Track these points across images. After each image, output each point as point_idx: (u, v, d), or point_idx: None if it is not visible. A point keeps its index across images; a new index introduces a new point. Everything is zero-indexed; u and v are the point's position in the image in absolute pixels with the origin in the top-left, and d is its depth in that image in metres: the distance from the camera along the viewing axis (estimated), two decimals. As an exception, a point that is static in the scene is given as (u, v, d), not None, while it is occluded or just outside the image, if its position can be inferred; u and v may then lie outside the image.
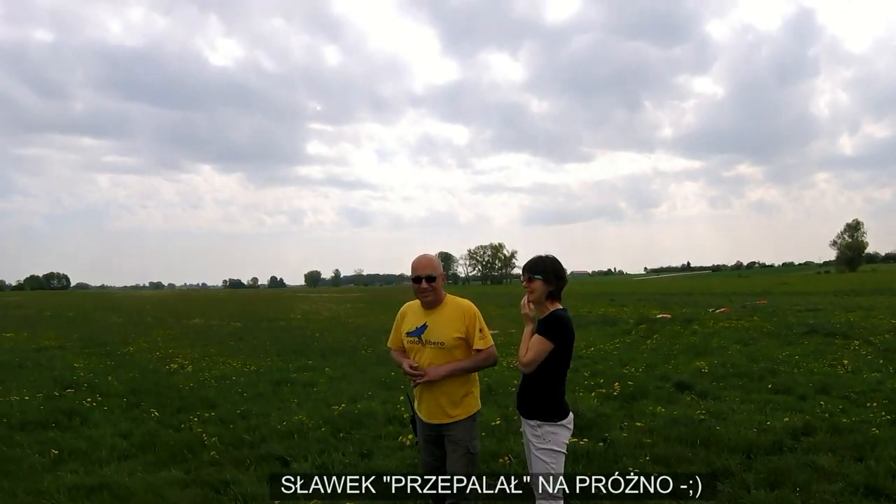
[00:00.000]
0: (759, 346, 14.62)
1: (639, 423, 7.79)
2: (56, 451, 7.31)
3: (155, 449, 7.42)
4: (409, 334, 4.63)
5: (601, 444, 6.95)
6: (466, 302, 4.61)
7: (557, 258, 4.37)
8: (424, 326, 4.55)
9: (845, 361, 11.73)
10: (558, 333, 4.16)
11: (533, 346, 4.17)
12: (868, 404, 8.29)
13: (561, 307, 4.28)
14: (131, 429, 8.39)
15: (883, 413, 7.84)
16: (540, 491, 4.14)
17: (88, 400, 10.18)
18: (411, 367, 4.47)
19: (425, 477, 4.52)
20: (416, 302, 4.71)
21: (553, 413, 4.19)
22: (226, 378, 12.47)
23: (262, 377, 12.52)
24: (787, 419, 7.59)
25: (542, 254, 4.40)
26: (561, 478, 4.16)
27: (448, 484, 4.43)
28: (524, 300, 4.32)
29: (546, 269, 4.27)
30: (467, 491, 4.42)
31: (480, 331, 4.52)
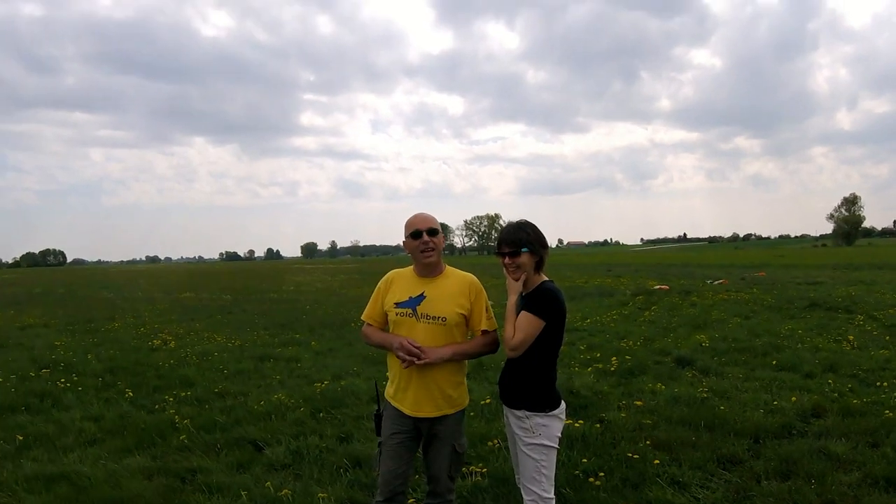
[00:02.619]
0: (760, 320, 14.30)
1: (638, 402, 7.36)
2: (21, 437, 6.91)
3: (124, 433, 7.01)
4: (399, 305, 3.83)
5: (598, 425, 6.50)
6: (470, 275, 3.94)
7: (533, 223, 3.75)
8: (422, 297, 3.79)
9: (851, 337, 11.36)
10: (550, 309, 3.56)
11: (522, 326, 3.53)
12: (878, 384, 7.89)
13: (547, 279, 3.71)
14: (103, 411, 7.99)
15: (895, 394, 7.42)
16: (529, 493, 3.60)
17: (63, 380, 9.76)
18: (412, 344, 3.65)
19: (382, 491, 3.80)
20: (407, 269, 3.98)
21: (544, 402, 3.59)
22: (208, 354, 12.07)
23: (246, 353, 12.16)
24: (794, 399, 7.18)
25: (516, 221, 3.77)
26: (553, 478, 3.61)
27: (432, 487, 3.94)
28: (508, 281, 3.67)
29: (531, 238, 3.64)
30: (452, 496, 3.97)
31: (487, 310, 3.88)
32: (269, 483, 5.25)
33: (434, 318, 3.74)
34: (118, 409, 8.11)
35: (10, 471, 5.92)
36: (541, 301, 3.57)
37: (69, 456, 6.34)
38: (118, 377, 10.07)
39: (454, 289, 3.83)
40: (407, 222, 3.90)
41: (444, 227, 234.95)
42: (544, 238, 3.71)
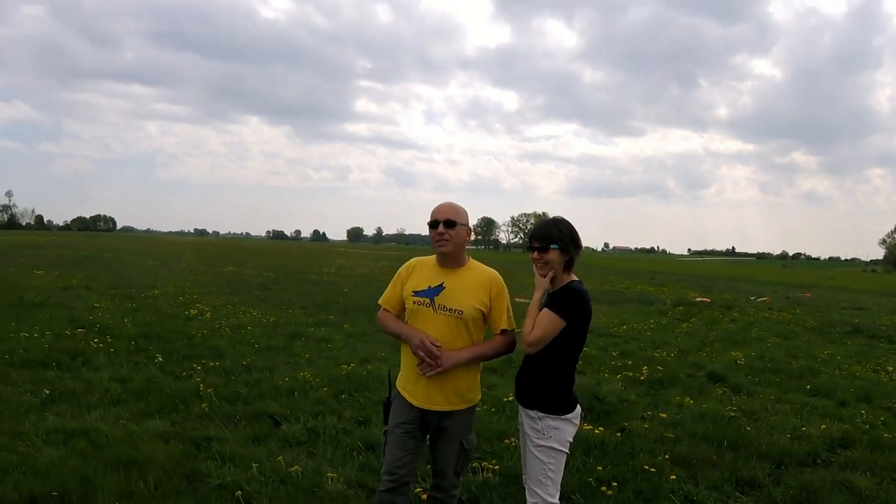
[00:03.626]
0: (799, 342, 13.98)
1: (663, 415, 7.23)
2: (48, 392, 7.07)
3: (148, 397, 7.13)
4: (417, 293, 3.75)
5: (619, 434, 6.41)
6: (493, 271, 3.83)
7: (569, 221, 3.66)
8: (441, 287, 3.70)
9: (889, 368, 11.02)
10: (573, 309, 3.48)
11: (541, 323, 3.47)
12: (913, 418, 7.62)
13: (576, 279, 3.63)
14: (131, 374, 8.16)
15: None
16: (533, 496, 3.53)
17: (96, 341, 9.96)
18: (433, 344, 3.57)
19: (387, 480, 3.71)
20: (430, 258, 3.88)
21: (558, 405, 3.52)
22: (241, 328, 12.22)
23: (279, 330, 12.28)
24: (824, 427, 6.98)
25: (552, 217, 3.71)
26: (559, 482, 3.55)
27: (436, 481, 3.86)
28: (536, 276, 3.63)
29: (562, 236, 3.56)
30: (457, 491, 3.89)
31: (507, 309, 3.75)
32: (281, 458, 5.30)
33: (451, 310, 3.65)
34: (146, 373, 8.26)
35: (32, 423, 6.06)
36: (565, 301, 3.50)
37: (92, 414, 6.48)
38: (151, 342, 10.25)
39: (475, 283, 3.73)
40: (432, 210, 3.78)
41: (490, 222, 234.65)
42: (578, 237, 3.63)
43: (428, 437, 3.85)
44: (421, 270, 3.83)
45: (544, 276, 3.58)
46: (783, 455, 6.03)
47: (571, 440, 3.59)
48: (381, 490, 3.74)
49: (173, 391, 7.28)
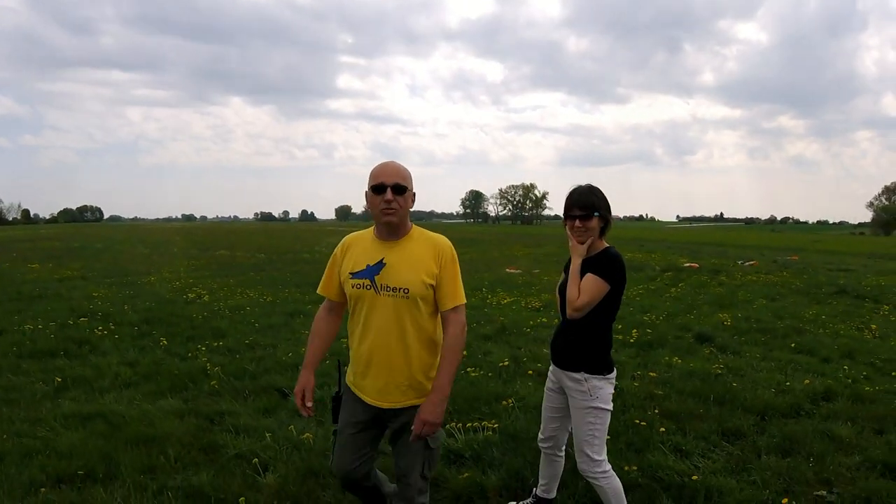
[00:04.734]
0: (786, 303, 14.30)
1: (652, 374, 7.55)
2: (60, 379, 7.29)
3: (158, 378, 7.37)
4: (355, 275, 3.27)
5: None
6: (441, 237, 3.34)
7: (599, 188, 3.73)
8: (381, 264, 3.22)
9: (873, 326, 11.34)
10: (614, 273, 3.59)
11: (587, 288, 3.53)
12: (894, 373, 7.93)
13: (608, 244, 3.75)
14: (138, 357, 8.38)
15: (909, 383, 7.48)
16: (580, 455, 3.69)
17: (101, 328, 10.19)
18: (304, 402, 3.39)
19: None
20: (367, 232, 3.40)
21: (602, 365, 3.65)
22: (240, 308, 12.47)
23: (277, 308, 12.51)
24: (807, 381, 7.28)
25: (585, 185, 3.73)
26: (605, 441, 3.71)
27: (400, 487, 3.42)
28: (572, 243, 3.65)
29: (601, 203, 3.65)
30: (424, 498, 3.44)
31: (457, 281, 3.30)
32: (292, 427, 5.57)
33: (395, 289, 3.20)
34: (153, 355, 8.48)
35: (48, 409, 6.28)
36: (608, 265, 3.59)
37: (105, 397, 6.71)
38: (153, 327, 10.45)
39: (419, 253, 3.26)
40: (371, 172, 3.25)
41: (479, 194, 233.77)
42: (609, 204, 3.72)
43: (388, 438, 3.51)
44: (357, 248, 3.37)
45: (583, 244, 3.64)
46: (767, 408, 6.31)
47: (611, 402, 3.71)
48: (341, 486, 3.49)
49: (181, 371, 7.53)
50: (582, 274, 3.60)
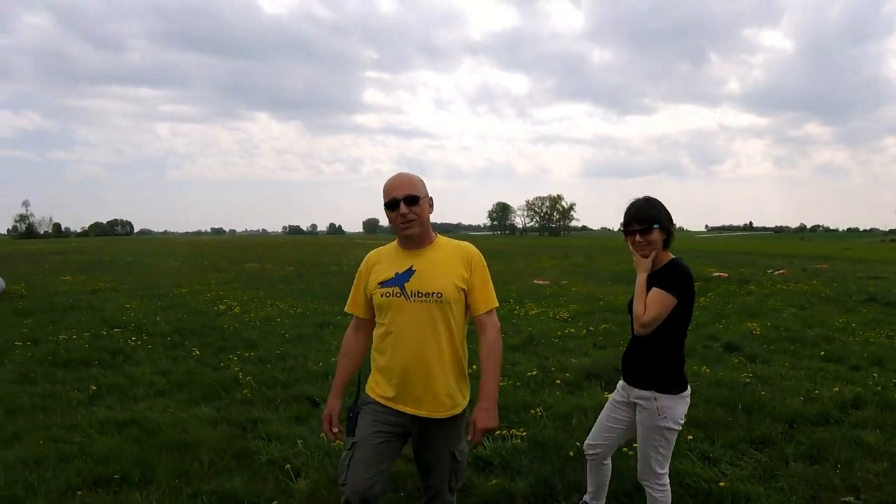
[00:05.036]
0: (815, 311, 14.18)
1: (681, 384, 7.54)
2: (94, 388, 7.46)
3: (191, 387, 7.52)
4: (384, 284, 3.22)
5: (638, 402, 6.73)
6: (467, 243, 3.35)
7: (658, 199, 3.64)
8: (410, 271, 3.19)
9: (904, 333, 11.22)
10: (681, 286, 3.49)
11: (654, 303, 3.44)
12: (924, 380, 7.87)
13: (674, 256, 3.66)
14: (171, 367, 8.54)
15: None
16: (648, 468, 3.69)
17: (134, 339, 10.37)
18: (330, 427, 3.37)
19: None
20: (390, 246, 3.39)
21: (673, 383, 3.58)
22: (270, 320, 12.63)
23: (307, 320, 12.66)
24: (836, 389, 7.25)
25: (642, 197, 3.65)
26: (669, 458, 3.71)
27: (427, 498, 3.44)
28: (636, 258, 3.60)
29: (661, 215, 3.55)
30: None
31: (488, 286, 3.29)
32: (323, 434, 5.64)
33: (428, 294, 3.15)
34: (186, 365, 8.65)
35: (83, 416, 6.43)
36: (673, 278, 3.50)
37: (139, 405, 6.85)
38: (185, 337, 10.64)
39: (448, 258, 3.25)
40: (383, 189, 3.24)
41: (506, 206, 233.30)
42: (670, 214, 3.63)
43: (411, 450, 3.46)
44: (383, 260, 3.33)
45: (646, 257, 3.57)
46: (796, 416, 6.29)
47: (683, 420, 3.67)
48: None
49: (213, 380, 7.67)
50: (648, 288, 3.53)
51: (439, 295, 3.14)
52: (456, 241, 3.38)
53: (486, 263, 3.33)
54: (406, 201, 3.14)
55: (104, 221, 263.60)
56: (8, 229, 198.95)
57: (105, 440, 5.70)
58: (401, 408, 3.19)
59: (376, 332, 3.32)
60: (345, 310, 3.52)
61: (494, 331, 3.25)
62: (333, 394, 3.46)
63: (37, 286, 19.66)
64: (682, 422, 3.66)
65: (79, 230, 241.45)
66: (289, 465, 5.01)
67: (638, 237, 3.55)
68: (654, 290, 3.48)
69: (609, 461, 4.14)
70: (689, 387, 3.67)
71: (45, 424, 6.18)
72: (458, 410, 3.27)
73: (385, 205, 3.19)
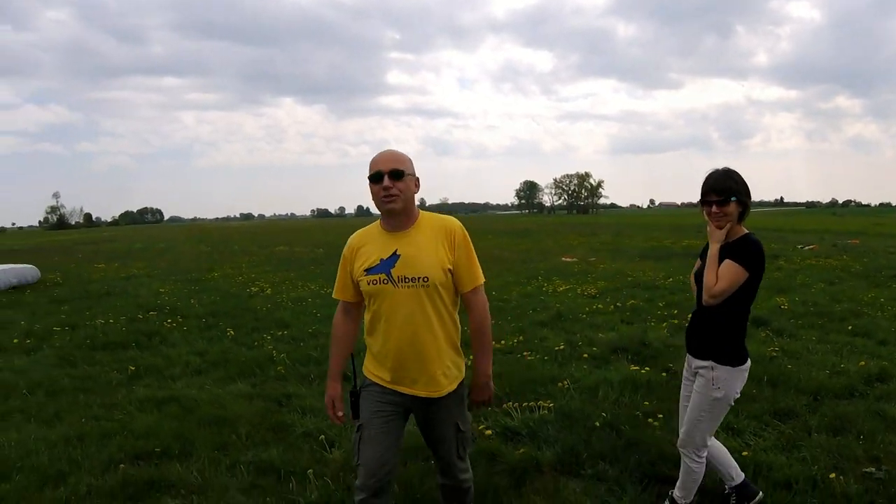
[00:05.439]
0: (844, 287, 14.07)
1: (707, 358, 7.60)
2: (133, 368, 7.73)
3: (226, 365, 7.77)
4: (369, 271, 3.17)
5: (664, 374, 6.82)
6: (449, 217, 3.30)
7: (737, 171, 3.61)
8: (395, 257, 3.14)
9: (934, 308, 11.12)
10: (754, 260, 3.50)
11: (726, 274, 3.47)
12: (951, 354, 7.84)
13: (748, 230, 3.64)
14: (206, 347, 8.80)
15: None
16: (690, 435, 3.74)
17: (169, 321, 10.68)
18: (335, 413, 3.42)
19: (368, 483, 3.15)
20: (373, 226, 3.32)
21: (731, 355, 3.60)
22: (302, 300, 12.89)
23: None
24: (862, 363, 7.25)
25: (722, 168, 3.63)
26: (714, 429, 3.76)
27: (442, 468, 3.46)
28: (710, 228, 3.61)
29: (739, 187, 3.54)
30: (467, 475, 3.49)
31: (473, 260, 3.25)
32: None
33: (414, 279, 3.11)
34: (220, 345, 8.91)
35: (123, 395, 6.71)
36: (747, 251, 3.51)
37: (177, 383, 7.13)
38: (219, 319, 10.94)
39: (431, 238, 3.20)
40: (370, 162, 3.19)
41: (533, 185, 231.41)
42: (748, 187, 3.61)
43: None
44: (367, 244, 3.27)
45: (721, 229, 3.57)
46: (820, 389, 6.33)
47: (738, 393, 3.69)
48: (361, 498, 3.18)
49: (248, 359, 7.92)
50: (720, 260, 3.55)
51: (426, 279, 3.11)
52: (438, 216, 3.32)
53: (468, 237, 3.28)
54: (390, 175, 3.09)
55: (134, 210, 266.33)
56: (39, 221, 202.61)
57: (145, 417, 5.94)
58: (399, 388, 3.22)
59: (367, 316, 3.32)
60: (333, 296, 3.51)
61: (481, 308, 3.27)
62: (332, 378, 3.48)
63: (71, 275, 20.08)
64: (737, 396, 3.68)
65: (109, 220, 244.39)
66: (323, 437, 5.20)
67: (714, 208, 3.54)
68: (727, 262, 3.49)
69: (704, 456, 3.91)
70: (748, 361, 3.68)
71: (86, 404, 6.45)
72: (456, 385, 3.29)
73: (369, 177, 3.14)
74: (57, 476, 4.73)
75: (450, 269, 3.16)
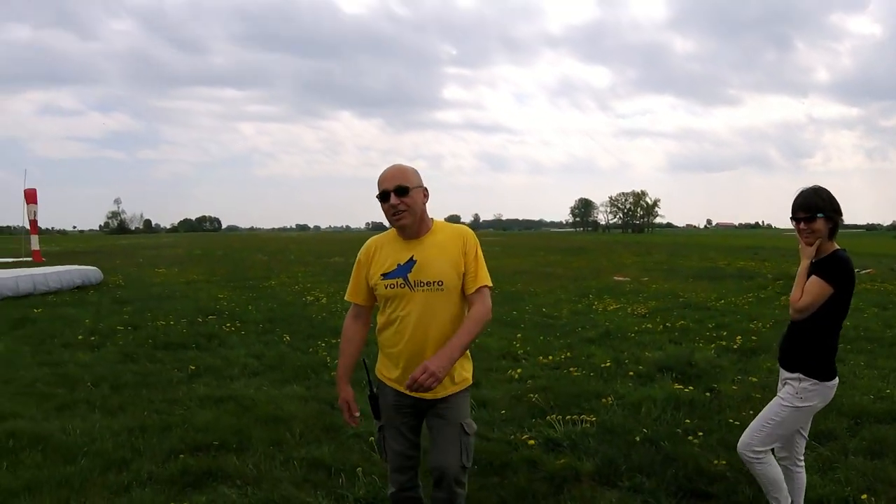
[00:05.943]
0: (897, 313, 13.89)
1: (753, 378, 7.64)
2: (193, 367, 8.13)
3: (282, 368, 8.13)
4: (387, 276, 3.32)
5: (708, 394, 6.91)
6: (462, 226, 3.47)
7: (828, 189, 3.72)
8: (412, 262, 3.28)
9: None
10: (840, 276, 3.60)
11: (810, 290, 3.58)
12: None
13: (839, 247, 3.73)
14: (263, 351, 9.16)
15: None
16: (751, 436, 3.80)
17: (228, 325, 11.10)
18: (351, 413, 3.59)
19: (399, 477, 3.47)
20: (390, 233, 3.45)
21: (819, 369, 3.67)
22: (356, 310, 13.08)
23: (389, 311, 13.06)
24: (908, 389, 7.26)
25: (811, 186, 3.73)
26: (776, 438, 3.78)
27: (437, 478, 3.38)
28: (802, 245, 3.74)
29: (826, 205, 3.64)
30: (462, 489, 3.44)
31: (480, 263, 3.36)
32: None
33: (430, 283, 3.26)
34: (277, 349, 9.27)
35: (184, 392, 7.10)
36: (833, 268, 3.61)
37: (235, 383, 7.48)
38: (276, 325, 11.32)
39: (445, 245, 3.34)
40: (377, 180, 3.34)
41: (588, 202, 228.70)
42: (838, 204, 3.70)
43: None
44: (383, 250, 3.41)
45: (811, 245, 3.68)
46: (862, 413, 6.33)
47: (820, 408, 3.80)
48: (395, 491, 3.48)
49: (303, 363, 8.28)
50: (809, 276, 3.65)
51: (440, 283, 3.27)
52: (452, 225, 3.48)
53: (479, 243, 3.41)
54: (396, 192, 3.21)
55: (193, 218, 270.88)
56: (100, 225, 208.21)
57: (204, 413, 6.29)
58: (404, 389, 3.26)
59: (380, 318, 3.47)
60: (345, 298, 3.63)
61: (482, 305, 3.31)
62: (343, 381, 3.63)
63: (133, 277, 20.82)
64: (817, 410, 3.79)
65: (168, 226, 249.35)
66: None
67: (802, 225, 3.66)
68: (813, 277, 3.60)
69: (802, 463, 4.08)
70: (836, 378, 3.75)
71: (148, 398, 6.84)
72: (464, 386, 3.44)
73: (377, 196, 3.30)
74: (120, 462, 5.10)
75: (463, 274, 3.31)
